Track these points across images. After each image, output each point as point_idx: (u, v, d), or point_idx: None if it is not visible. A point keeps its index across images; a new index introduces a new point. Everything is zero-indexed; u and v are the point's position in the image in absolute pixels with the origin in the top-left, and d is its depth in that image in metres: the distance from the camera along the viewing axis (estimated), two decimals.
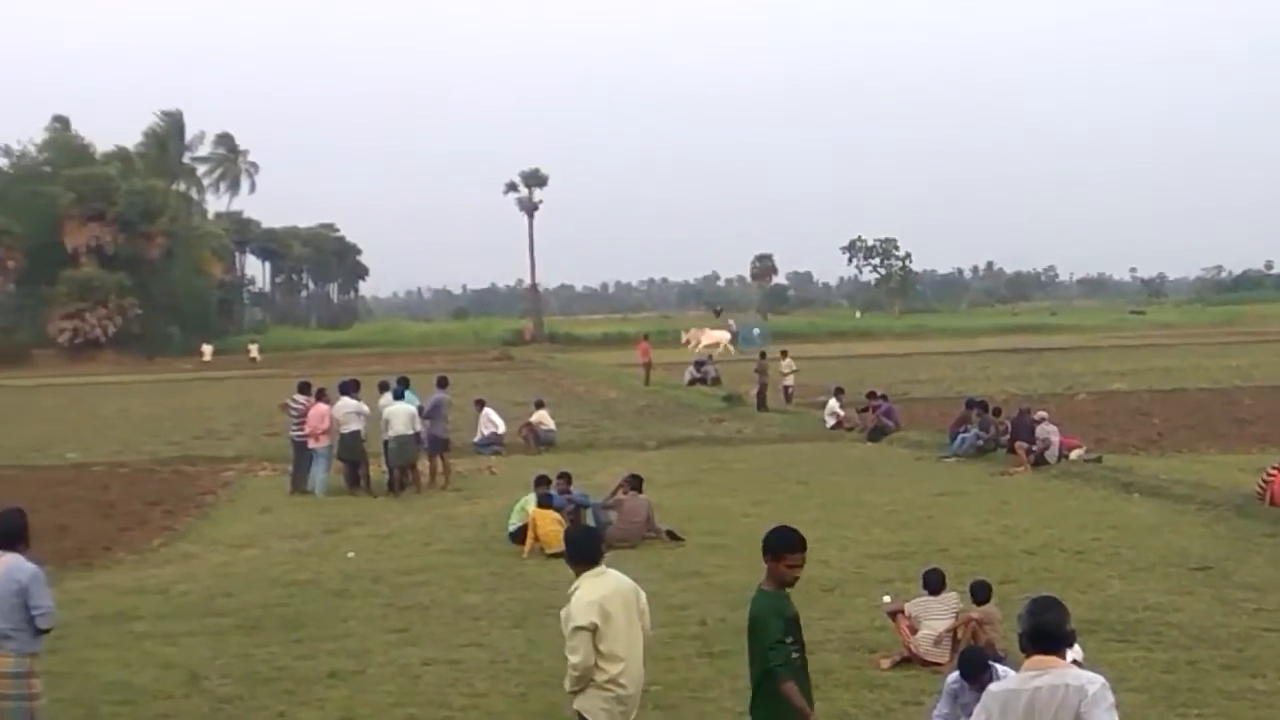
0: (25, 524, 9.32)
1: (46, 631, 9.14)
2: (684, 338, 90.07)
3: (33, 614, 8.91)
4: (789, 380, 41.93)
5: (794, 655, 7.60)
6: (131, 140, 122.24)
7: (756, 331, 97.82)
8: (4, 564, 8.98)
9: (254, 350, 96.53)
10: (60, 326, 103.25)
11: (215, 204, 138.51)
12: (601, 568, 8.18)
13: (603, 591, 8.01)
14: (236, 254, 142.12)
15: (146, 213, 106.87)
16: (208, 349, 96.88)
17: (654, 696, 8.64)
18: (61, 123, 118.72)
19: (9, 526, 9.18)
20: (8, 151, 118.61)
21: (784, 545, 7.70)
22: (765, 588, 7.75)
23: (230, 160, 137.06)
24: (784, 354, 44.32)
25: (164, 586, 16.73)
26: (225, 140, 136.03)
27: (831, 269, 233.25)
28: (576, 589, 8.08)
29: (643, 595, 8.32)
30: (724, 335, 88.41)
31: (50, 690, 10.15)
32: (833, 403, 34.72)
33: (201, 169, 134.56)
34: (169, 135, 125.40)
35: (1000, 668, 9.23)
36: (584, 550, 8.30)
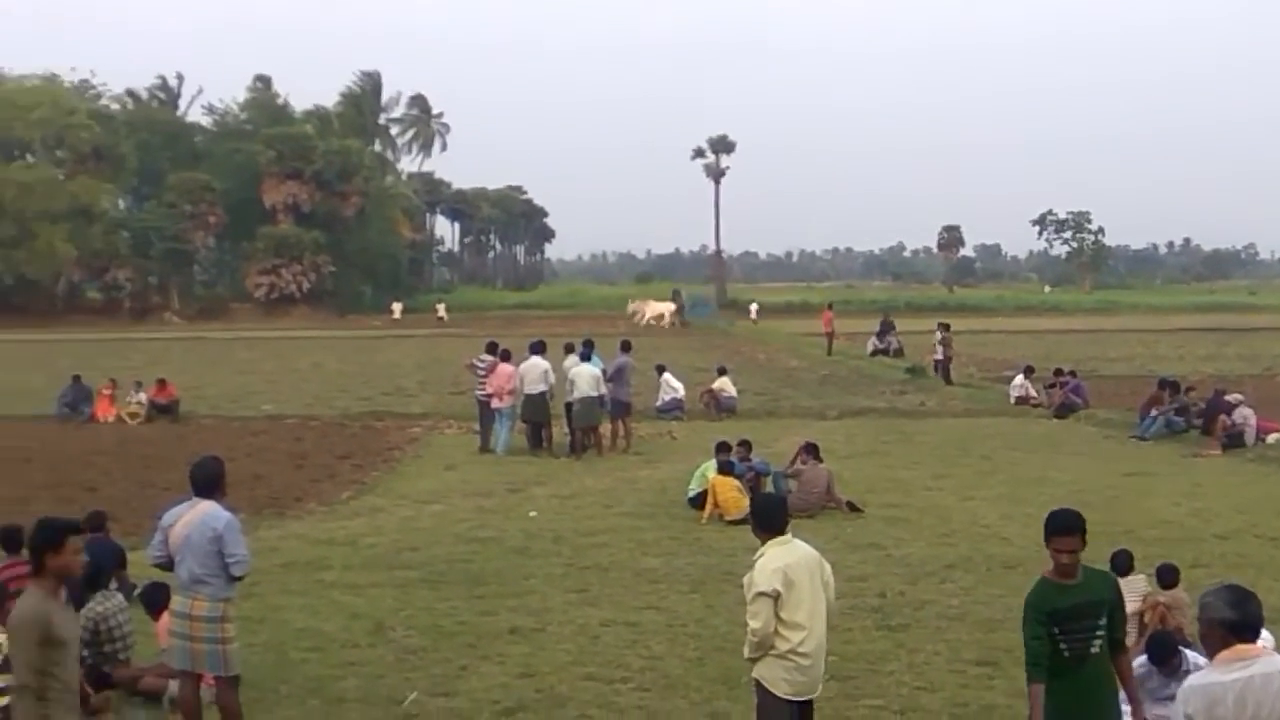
0: (222, 473, 9.63)
1: (240, 579, 9.43)
2: (629, 308, 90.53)
3: (227, 561, 9.18)
4: (939, 354, 41.04)
5: (1064, 648, 7.23)
6: (330, 100, 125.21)
7: (705, 305, 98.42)
8: (200, 511, 9.29)
9: (441, 310, 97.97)
10: (257, 281, 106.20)
11: (407, 164, 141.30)
12: (787, 536, 8.18)
13: (787, 560, 8.02)
14: (427, 214, 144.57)
15: (342, 172, 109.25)
16: (397, 307, 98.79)
17: (831, 667, 8.64)
18: (263, 82, 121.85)
19: (207, 474, 9.48)
20: (211, 110, 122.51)
21: (1050, 528, 7.35)
22: (1044, 575, 7.44)
23: (423, 121, 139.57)
24: (944, 327, 42.95)
25: (352, 538, 17.17)
26: (419, 101, 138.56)
27: (1021, 242, 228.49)
28: (761, 555, 8.09)
29: (827, 566, 8.31)
30: (668, 306, 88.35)
31: (243, 635, 10.55)
32: (1019, 379, 34.14)
33: (395, 130, 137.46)
34: (366, 96, 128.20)
35: (1190, 654, 9.00)
36: (770, 518, 8.31)
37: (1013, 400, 33.60)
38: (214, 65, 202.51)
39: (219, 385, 40.37)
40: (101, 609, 10.91)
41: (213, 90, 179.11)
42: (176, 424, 30.89)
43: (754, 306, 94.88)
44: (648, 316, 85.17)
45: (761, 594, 7.92)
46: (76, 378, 33.13)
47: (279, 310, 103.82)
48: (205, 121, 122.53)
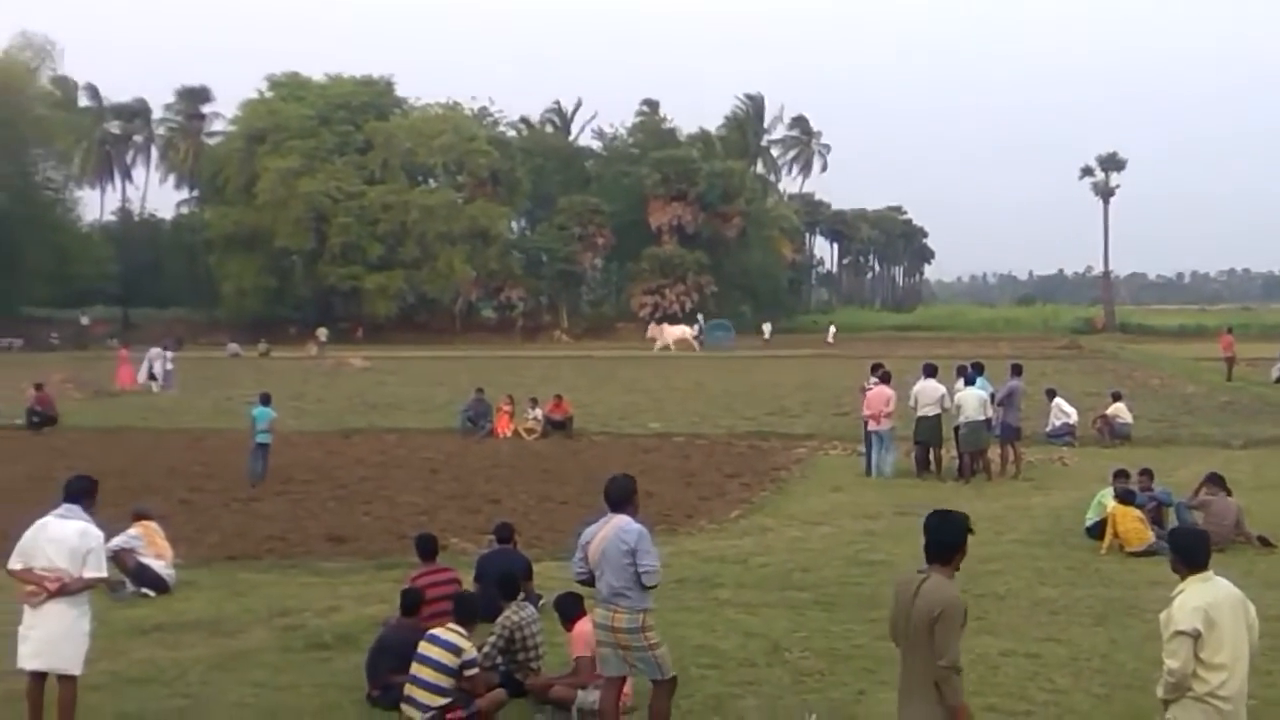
0: (634, 489, 10.00)
1: (651, 588, 9.69)
2: (649, 334, 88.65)
3: (639, 572, 9.49)
4: None
5: None
6: (713, 123, 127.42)
7: (724, 331, 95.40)
8: (614, 526, 9.64)
9: (831, 333, 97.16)
10: (642, 301, 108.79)
11: (787, 185, 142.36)
12: (1209, 573, 7.83)
13: (1209, 598, 7.67)
14: (806, 235, 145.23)
15: (725, 194, 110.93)
16: (767, 328, 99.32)
17: (1251, 713, 8.18)
18: (650, 106, 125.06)
19: (620, 491, 9.86)
20: (601, 135, 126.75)
21: None
22: None
23: (804, 143, 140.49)
24: None
25: (743, 557, 17.37)
26: (800, 123, 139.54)
27: None
28: (1181, 591, 7.77)
29: (1251, 608, 7.88)
30: (687, 330, 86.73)
31: None
32: None
33: (776, 151, 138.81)
34: (748, 118, 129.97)
35: None
36: (1193, 553, 7.96)
37: None
38: (605, 91, 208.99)
39: (608, 402, 41.54)
40: (516, 618, 11.36)
41: (603, 115, 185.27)
42: (570, 440, 31.94)
43: (831, 329, 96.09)
44: (667, 342, 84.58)
45: (1181, 632, 7.60)
46: (480, 391, 34.71)
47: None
48: (595, 146, 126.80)
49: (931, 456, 25.23)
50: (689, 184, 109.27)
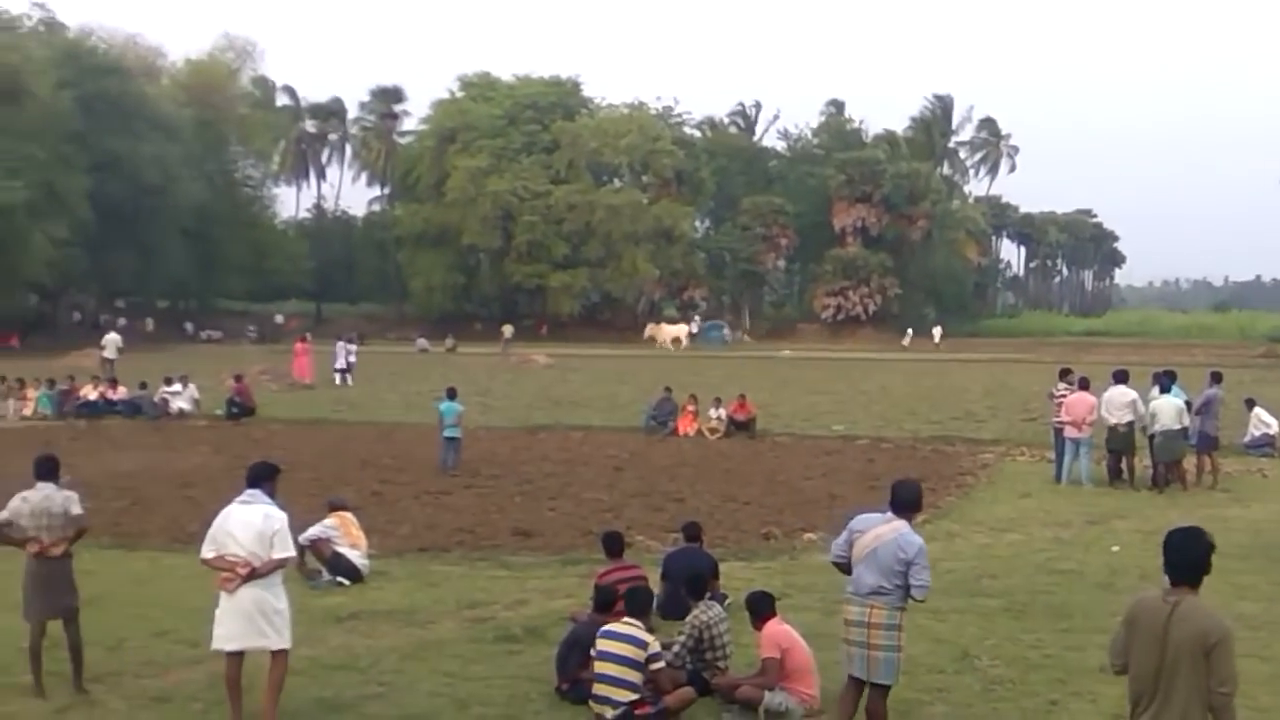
0: (921, 494, 10.15)
1: (920, 601, 9.87)
2: (646, 333, 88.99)
3: (911, 583, 9.54)
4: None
5: None
6: (900, 124, 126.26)
7: (724, 331, 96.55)
8: (894, 530, 9.66)
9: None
10: (824, 303, 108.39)
11: (974, 187, 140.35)
12: None
13: None
14: (992, 238, 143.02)
15: (910, 195, 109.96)
16: (937, 331, 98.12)
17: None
18: (835, 107, 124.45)
19: (911, 494, 9.96)
20: (785, 135, 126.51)
21: None
22: None
23: (992, 144, 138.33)
24: None
25: (930, 562, 17.10)
26: (988, 124, 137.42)
27: None
28: None
29: None
30: (683, 329, 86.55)
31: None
32: None
33: (964, 152, 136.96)
34: (935, 119, 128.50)
35: None
36: None
37: None
38: (789, 91, 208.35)
39: (790, 404, 41.40)
40: (705, 617, 11.40)
41: (788, 116, 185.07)
42: (753, 441, 31.92)
43: (937, 330, 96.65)
44: (664, 340, 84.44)
45: None
46: (668, 390, 34.89)
47: (844, 331, 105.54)
48: (779, 146, 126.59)
49: (1124, 465, 24.66)
50: (874, 185, 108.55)
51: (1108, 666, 7.91)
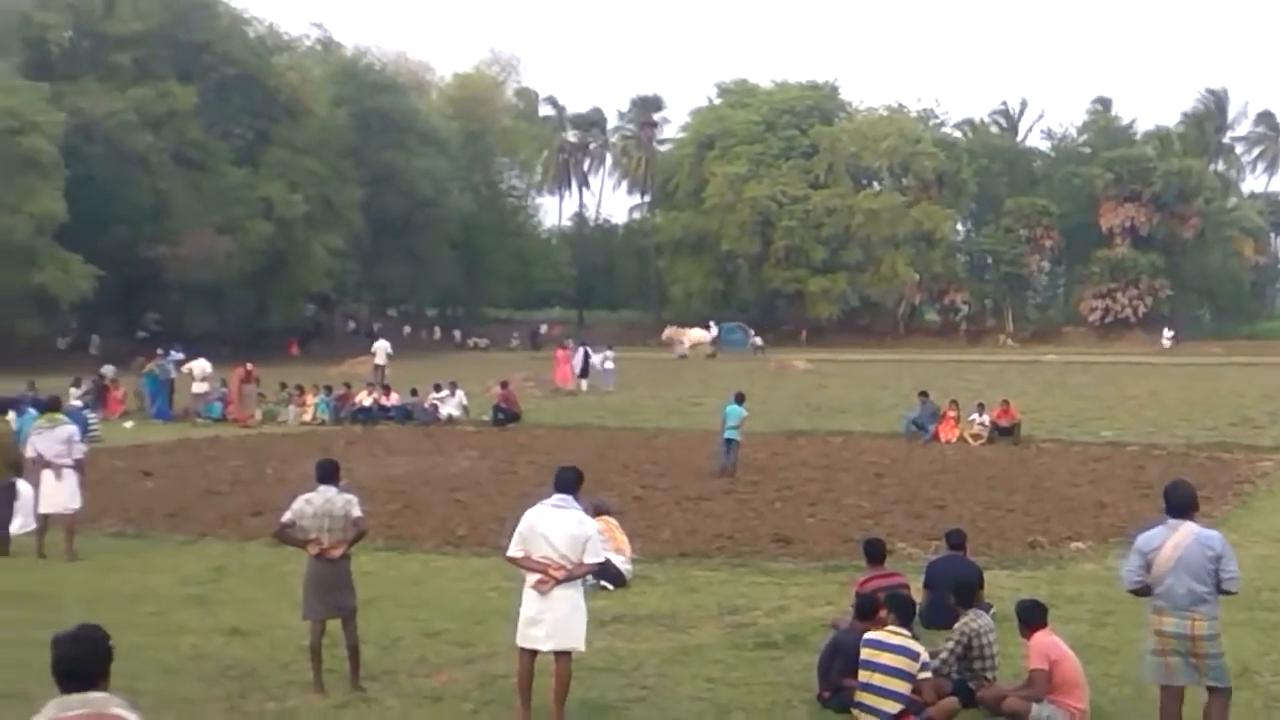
0: (1196, 494, 10.07)
1: (1233, 594, 9.69)
2: (664, 335, 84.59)
3: (1223, 577, 9.45)
4: None
5: None
6: (1171, 120, 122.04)
7: (742, 335, 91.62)
8: (1189, 532, 9.60)
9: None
10: (1091, 305, 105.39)
11: (1251, 184, 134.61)
12: None
13: None
14: (1271, 236, 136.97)
15: (1182, 193, 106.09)
16: (1166, 334, 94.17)
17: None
18: (1102, 104, 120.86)
19: (1187, 495, 9.87)
20: (1050, 134, 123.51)
21: None
22: None
23: (1270, 139, 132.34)
24: None
25: None
26: (1266, 118, 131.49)
27: None
28: None
29: None
30: (703, 334, 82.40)
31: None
32: None
33: (1239, 148, 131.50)
34: (1209, 114, 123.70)
35: None
36: None
37: None
38: (1054, 90, 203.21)
39: (1056, 409, 40.39)
40: (975, 625, 11.24)
41: (1052, 115, 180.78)
42: (1017, 447, 31.27)
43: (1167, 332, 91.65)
44: (686, 346, 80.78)
45: None
46: (924, 394, 34.43)
47: (1112, 334, 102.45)
48: (1043, 146, 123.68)
49: None
50: (1143, 184, 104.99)
51: None
